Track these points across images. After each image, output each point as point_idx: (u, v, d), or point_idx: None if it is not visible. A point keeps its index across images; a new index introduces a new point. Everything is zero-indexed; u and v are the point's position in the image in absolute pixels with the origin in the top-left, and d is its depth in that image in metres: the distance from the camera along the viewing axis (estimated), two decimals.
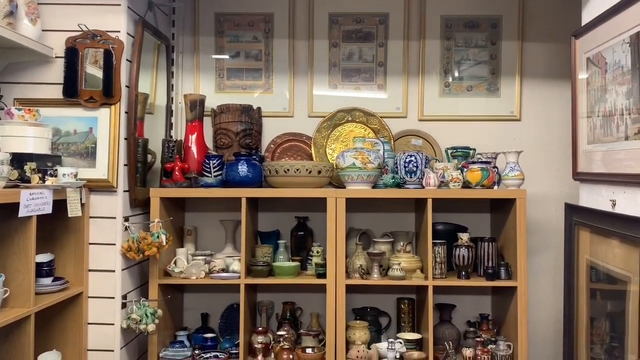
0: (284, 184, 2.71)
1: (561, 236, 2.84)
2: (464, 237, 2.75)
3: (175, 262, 2.74)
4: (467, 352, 2.68)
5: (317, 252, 2.81)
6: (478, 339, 2.72)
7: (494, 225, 2.99)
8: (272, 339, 2.81)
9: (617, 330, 2.10)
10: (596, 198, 2.18)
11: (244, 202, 2.66)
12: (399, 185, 2.75)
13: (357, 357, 2.66)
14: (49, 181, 2.15)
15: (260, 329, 2.80)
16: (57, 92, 2.46)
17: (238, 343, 2.75)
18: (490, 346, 2.69)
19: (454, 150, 2.85)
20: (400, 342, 2.70)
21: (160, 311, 2.58)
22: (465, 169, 2.69)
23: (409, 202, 3.05)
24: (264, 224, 3.09)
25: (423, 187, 2.70)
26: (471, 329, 2.85)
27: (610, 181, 2.03)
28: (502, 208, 2.83)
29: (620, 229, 1.89)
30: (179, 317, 3.04)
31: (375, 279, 2.69)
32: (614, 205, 2.00)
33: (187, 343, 2.79)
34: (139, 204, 2.65)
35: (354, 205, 2.84)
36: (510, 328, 2.71)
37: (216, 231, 3.06)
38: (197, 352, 2.73)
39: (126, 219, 2.54)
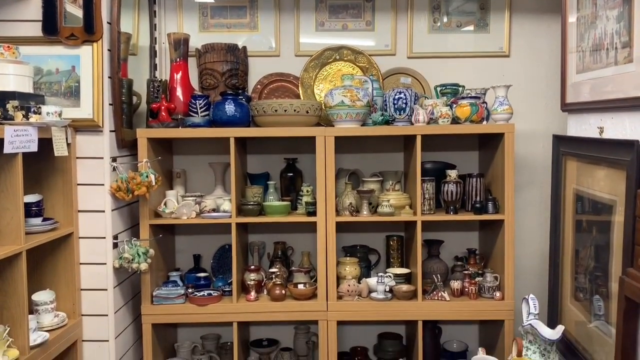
0: (272, 123, 2.69)
1: (547, 172, 2.87)
2: (452, 173, 2.77)
3: (165, 204, 2.73)
4: (455, 284, 2.74)
5: (307, 191, 2.82)
6: (465, 272, 2.79)
7: (482, 163, 3.01)
8: (264, 276, 2.85)
9: (601, 260, 2.15)
10: (584, 127, 2.20)
11: (232, 142, 2.64)
12: (388, 122, 2.74)
13: (347, 291, 2.71)
14: (33, 118, 2.10)
15: (252, 267, 2.84)
16: (36, 30, 2.38)
17: (231, 281, 2.78)
18: (477, 278, 2.75)
19: (443, 88, 2.83)
20: (390, 276, 2.76)
21: (152, 251, 2.60)
22: (454, 105, 2.68)
23: (398, 141, 3.05)
24: (253, 166, 3.09)
25: (412, 124, 2.69)
26: (459, 263, 2.91)
27: (599, 108, 2.03)
28: (490, 144, 2.85)
29: (607, 154, 1.91)
30: (171, 259, 3.06)
31: (364, 215, 2.72)
32: (601, 132, 2.01)
33: (180, 283, 2.82)
34: (126, 145, 2.62)
35: (342, 145, 2.84)
36: (497, 261, 2.77)
37: (205, 174, 3.05)
38: (190, 290, 2.76)
39: (114, 159, 2.52)
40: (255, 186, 2.89)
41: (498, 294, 2.68)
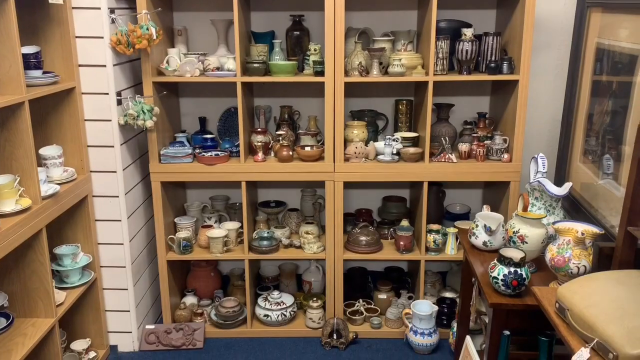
0: None
1: (566, 34, 2.74)
2: (467, 32, 2.63)
3: (167, 61, 2.64)
4: (463, 147, 2.73)
5: (315, 50, 2.70)
6: (474, 135, 2.76)
7: (499, 23, 2.86)
8: (271, 139, 2.83)
9: (616, 122, 2.10)
10: None
11: None
12: None
13: (354, 153, 2.70)
14: None
15: (259, 129, 2.81)
16: None
17: (238, 144, 2.77)
18: (486, 142, 2.73)
19: None
20: (397, 139, 2.73)
21: (157, 109, 2.55)
22: None
23: None
24: (257, 24, 2.94)
25: None
26: (468, 127, 2.87)
27: None
28: (508, 1, 2.67)
29: None
30: (176, 121, 3.03)
31: (375, 75, 2.63)
32: None
33: (187, 143, 2.80)
34: None
35: (352, 0, 2.67)
36: (507, 125, 2.72)
37: (207, 32, 2.91)
38: (197, 150, 2.76)
39: (112, 10, 2.38)
40: (260, 44, 2.77)
41: (506, 156, 2.67)
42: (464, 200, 3.16)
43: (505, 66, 2.59)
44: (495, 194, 2.91)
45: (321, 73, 2.61)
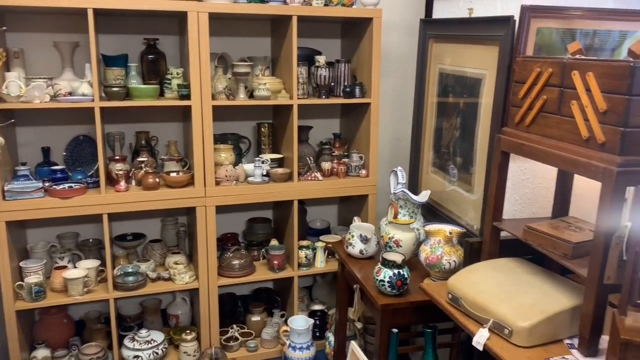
0: None
1: (401, 63, 3.12)
2: (321, 59, 2.84)
3: (7, 86, 2.34)
4: (326, 165, 2.91)
5: (177, 73, 2.65)
6: (333, 154, 2.96)
7: (345, 51, 3.13)
8: (131, 166, 2.67)
9: (457, 137, 2.45)
10: (452, 10, 2.41)
11: (90, 14, 2.32)
12: (262, 1, 2.65)
13: (225, 176, 2.70)
14: None
15: (117, 157, 2.64)
16: None
17: (91, 174, 2.57)
18: (344, 159, 2.95)
19: None
20: (267, 161, 2.80)
21: (2, 139, 2.25)
22: None
23: (265, 25, 2.99)
24: (107, 47, 2.76)
25: (287, 4, 2.65)
26: (325, 146, 3.06)
27: None
28: (353, 31, 2.95)
29: (479, 32, 2.13)
30: (13, 153, 2.67)
31: (242, 99, 2.67)
32: (471, 13, 2.23)
33: (31, 177, 2.50)
34: None
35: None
36: (361, 144, 2.98)
37: (47, 55, 2.66)
38: (47, 184, 2.48)
39: None
40: (117, 68, 2.61)
41: (364, 171, 2.91)
42: (322, 216, 3.34)
43: (357, 90, 2.84)
44: (350, 207, 3.14)
45: (187, 97, 2.56)
